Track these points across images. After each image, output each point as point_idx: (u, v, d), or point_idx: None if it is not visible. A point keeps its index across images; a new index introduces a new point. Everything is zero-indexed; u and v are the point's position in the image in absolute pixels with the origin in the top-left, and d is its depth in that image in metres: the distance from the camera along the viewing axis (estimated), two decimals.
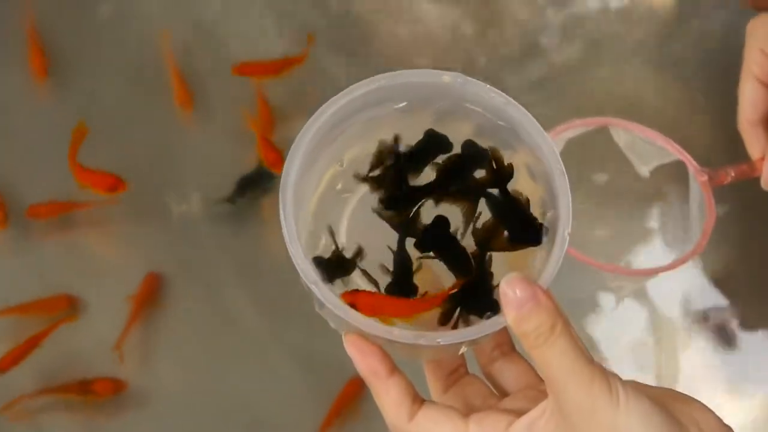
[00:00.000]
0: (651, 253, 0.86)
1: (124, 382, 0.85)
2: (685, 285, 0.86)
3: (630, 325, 0.85)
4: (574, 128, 0.80)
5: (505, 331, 0.44)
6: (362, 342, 0.42)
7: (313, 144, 0.43)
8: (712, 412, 0.39)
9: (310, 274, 0.41)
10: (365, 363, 0.42)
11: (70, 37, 0.97)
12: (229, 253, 0.90)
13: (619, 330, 0.85)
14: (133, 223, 0.91)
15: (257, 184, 0.91)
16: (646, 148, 0.78)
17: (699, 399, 0.40)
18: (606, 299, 0.86)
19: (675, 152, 0.77)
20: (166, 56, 0.95)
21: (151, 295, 0.89)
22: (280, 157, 0.90)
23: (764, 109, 0.69)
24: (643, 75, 0.95)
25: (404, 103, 0.46)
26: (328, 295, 0.41)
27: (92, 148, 0.89)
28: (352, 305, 0.41)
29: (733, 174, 0.74)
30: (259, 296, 0.89)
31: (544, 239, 0.44)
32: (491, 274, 0.44)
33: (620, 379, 0.38)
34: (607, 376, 0.37)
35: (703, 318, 0.85)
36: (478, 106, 0.45)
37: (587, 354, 0.38)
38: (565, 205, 0.43)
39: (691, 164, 0.76)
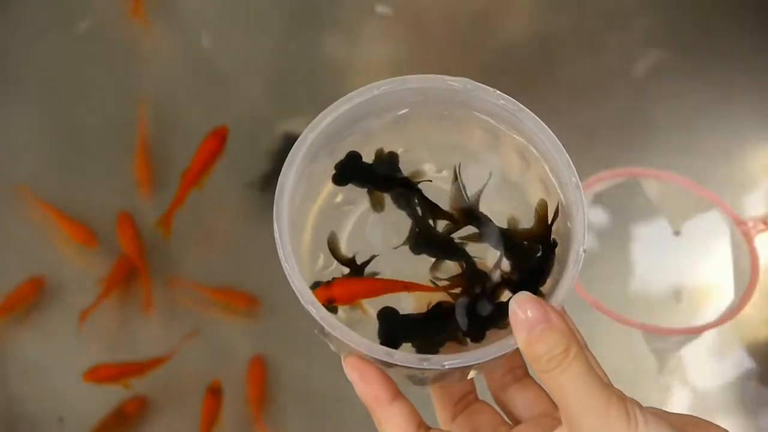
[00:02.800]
0: (695, 310, 0.80)
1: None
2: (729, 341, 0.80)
3: (676, 388, 0.79)
4: (603, 180, 0.77)
5: (517, 355, 0.41)
6: (363, 365, 0.38)
7: (310, 155, 0.41)
8: None
9: (306, 294, 0.38)
10: (366, 388, 0.38)
11: None
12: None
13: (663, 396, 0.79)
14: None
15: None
16: (680, 198, 0.75)
17: None
18: (649, 361, 0.80)
19: (712, 201, 0.73)
20: (139, 130, 0.93)
21: (123, 277, 0.89)
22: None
23: None
24: None
25: (406, 110, 0.43)
26: (326, 317, 0.37)
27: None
28: (330, 300, 0.38)
29: None
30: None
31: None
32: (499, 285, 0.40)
33: (639, 405, 0.35)
34: (625, 402, 0.34)
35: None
36: (487, 115, 0.42)
37: (604, 378, 0.35)
38: (579, 220, 0.39)
39: (730, 213, 0.72)
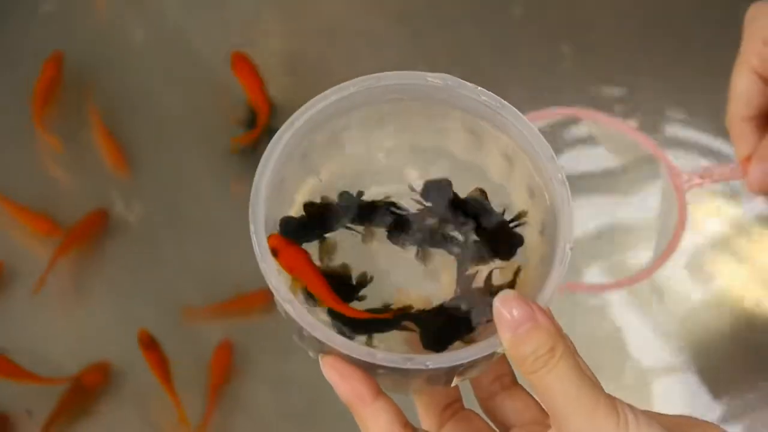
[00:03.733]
0: (611, 265, 0.81)
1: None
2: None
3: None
4: (544, 118, 0.75)
5: (504, 362, 0.40)
6: (341, 364, 0.36)
7: (285, 155, 0.39)
8: None
9: (284, 293, 0.36)
10: (347, 386, 0.36)
11: None
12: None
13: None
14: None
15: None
16: (619, 142, 0.74)
17: None
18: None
19: (650, 149, 0.72)
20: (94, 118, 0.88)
21: (92, 230, 0.85)
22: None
23: (759, 104, 0.63)
24: None
25: (385, 109, 0.41)
26: (303, 315, 0.36)
27: None
28: (274, 251, 0.37)
29: (714, 176, 0.68)
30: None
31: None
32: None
33: (630, 406, 0.34)
34: (615, 403, 0.34)
35: None
36: (469, 112, 0.41)
37: (592, 379, 0.35)
38: (566, 216, 0.39)
39: (667, 163, 0.71)
